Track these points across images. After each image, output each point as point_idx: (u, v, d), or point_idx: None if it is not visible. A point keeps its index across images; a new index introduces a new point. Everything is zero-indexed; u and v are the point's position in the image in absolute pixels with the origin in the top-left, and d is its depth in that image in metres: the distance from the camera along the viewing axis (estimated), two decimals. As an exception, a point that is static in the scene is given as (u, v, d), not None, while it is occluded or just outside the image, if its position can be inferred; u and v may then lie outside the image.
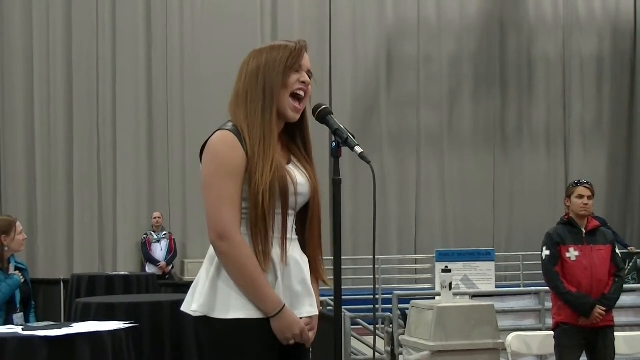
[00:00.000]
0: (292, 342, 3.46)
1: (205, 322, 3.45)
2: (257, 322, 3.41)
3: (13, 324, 6.46)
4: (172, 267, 16.26)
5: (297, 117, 3.55)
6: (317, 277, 3.63)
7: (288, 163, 3.56)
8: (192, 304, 3.49)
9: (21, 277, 7.11)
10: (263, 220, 3.40)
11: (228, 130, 3.47)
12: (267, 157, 3.42)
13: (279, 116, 3.52)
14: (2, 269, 7.03)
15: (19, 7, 17.38)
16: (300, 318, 3.49)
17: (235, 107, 3.53)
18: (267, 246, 3.41)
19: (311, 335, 3.53)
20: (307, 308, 3.52)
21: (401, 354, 8.65)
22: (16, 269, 7.16)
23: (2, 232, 7.05)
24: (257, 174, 3.39)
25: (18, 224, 7.22)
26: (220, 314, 3.42)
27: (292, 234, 3.52)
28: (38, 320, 7.01)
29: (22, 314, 7.07)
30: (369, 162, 3.36)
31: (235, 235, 3.39)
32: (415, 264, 18.91)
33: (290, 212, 3.49)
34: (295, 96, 3.52)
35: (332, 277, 3.51)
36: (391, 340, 9.40)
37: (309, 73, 3.57)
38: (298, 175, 3.53)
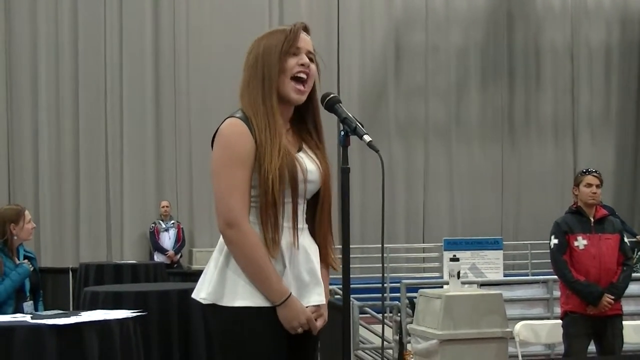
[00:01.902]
0: (299, 330, 3.47)
1: (213, 309, 3.47)
2: (265, 311, 3.42)
3: (23, 312, 6.48)
4: (181, 256, 16.30)
5: (302, 98, 3.53)
6: (328, 263, 3.63)
7: (299, 150, 3.55)
8: (201, 292, 3.50)
9: (30, 265, 7.13)
10: (273, 206, 3.40)
11: (237, 117, 3.47)
12: (274, 144, 3.41)
13: (283, 101, 3.52)
14: (12, 258, 7.06)
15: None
16: (307, 307, 3.49)
17: (241, 96, 3.54)
18: (276, 234, 3.41)
19: (319, 323, 3.53)
20: (315, 297, 3.52)
21: (409, 342, 8.65)
22: (25, 257, 7.18)
23: (11, 221, 7.07)
24: (266, 161, 3.39)
25: (26, 212, 7.24)
26: (228, 302, 3.43)
27: (302, 223, 3.52)
28: (46, 309, 7.02)
29: (31, 302, 7.10)
30: (377, 151, 3.35)
31: (243, 223, 3.40)
32: (423, 252, 18.90)
33: (299, 200, 3.49)
34: (297, 79, 3.51)
35: (341, 266, 3.52)
36: (399, 329, 9.41)
37: (309, 54, 3.55)
38: (308, 163, 3.52)
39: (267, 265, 3.40)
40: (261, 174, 3.40)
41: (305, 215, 3.57)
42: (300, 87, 3.51)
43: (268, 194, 3.39)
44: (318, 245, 3.59)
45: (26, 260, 7.15)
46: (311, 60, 3.55)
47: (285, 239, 3.45)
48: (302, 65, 3.51)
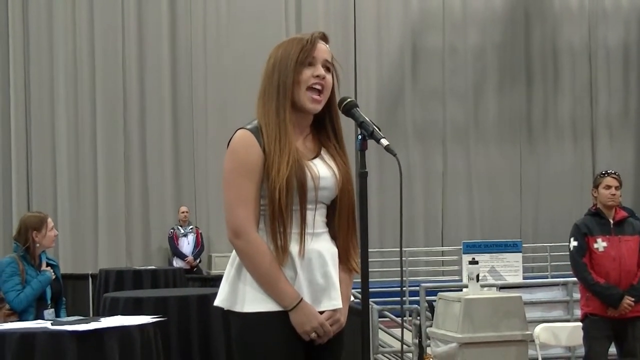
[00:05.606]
0: (313, 335, 3.48)
1: (230, 315, 3.53)
2: (277, 315, 3.46)
3: (44, 319, 6.50)
4: (200, 262, 16.31)
5: (318, 107, 3.55)
6: (349, 267, 3.63)
7: (316, 156, 3.57)
8: (218, 298, 3.57)
9: (52, 273, 7.15)
10: (280, 216, 3.43)
11: (247, 129, 3.51)
12: (284, 154, 3.44)
13: (299, 111, 3.54)
14: (34, 265, 7.08)
15: (43, 4, 17.45)
16: (323, 312, 3.50)
17: (257, 104, 3.57)
18: (285, 242, 3.45)
19: (335, 328, 3.54)
20: (330, 301, 3.53)
21: (429, 346, 8.64)
22: (47, 265, 7.20)
23: (33, 228, 7.10)
24: (274, 172, 3.43)
25: (49, 220, 7.26)
26: (240, 307, 3.49)
27: (314, 229, 3.53)
28: (67, 316, 7.05)
29: (52, 310, 7.12)
30: (395, 155, 3.34)
31: (250, 232, 3.46)
32: (442, 256, 18.88)
33: (310, 207, 3.50)
34: (312, 89, 3.52)
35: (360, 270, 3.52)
36: (419, 332, 9.40)
37: (327, 63, 3.56)
38: (322, 170, 3.54)
39: (275, 272, 3.44)
40: (269, 184, 3.44)
41: (325, 220, 3.58)
42: (316, 96, 3.52)
43: (275, 204, 3.43)
44: (339, 249, 3.60)
45: (48, 268, 7.17)
46: (328, 69, 3.56)
47: (294, 245, 3.48)
48: (317, 76, 3.52)
